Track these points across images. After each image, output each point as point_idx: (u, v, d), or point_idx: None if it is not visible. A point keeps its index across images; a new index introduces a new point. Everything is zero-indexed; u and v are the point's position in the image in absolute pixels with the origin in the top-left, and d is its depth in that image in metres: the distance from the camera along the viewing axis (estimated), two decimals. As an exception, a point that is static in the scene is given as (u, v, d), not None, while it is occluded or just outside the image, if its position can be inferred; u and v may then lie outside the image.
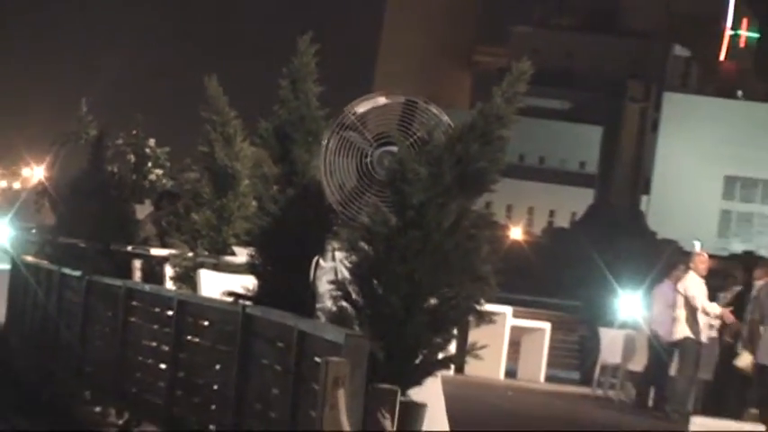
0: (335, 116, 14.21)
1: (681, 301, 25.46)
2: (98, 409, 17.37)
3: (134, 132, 21.41)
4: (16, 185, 55.00)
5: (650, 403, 26.25)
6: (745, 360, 23.67)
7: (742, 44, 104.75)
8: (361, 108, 13.69)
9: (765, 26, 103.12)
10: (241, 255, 16.59)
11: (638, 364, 27.32)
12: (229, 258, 17.31)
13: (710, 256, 27.69)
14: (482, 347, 26.15)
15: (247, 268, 15.42)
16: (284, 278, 14.14)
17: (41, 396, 18.26)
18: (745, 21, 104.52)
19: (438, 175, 11.30)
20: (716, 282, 26.59)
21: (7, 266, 25.67)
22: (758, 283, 23.69)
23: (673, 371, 25.79)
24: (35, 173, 33.15)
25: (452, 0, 60.78)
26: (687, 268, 26.14)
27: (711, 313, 25.09)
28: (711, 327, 25.20)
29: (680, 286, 25.78)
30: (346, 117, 13.79)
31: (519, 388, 28.14)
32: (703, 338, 25.34)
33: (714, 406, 23.50)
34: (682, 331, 25.39)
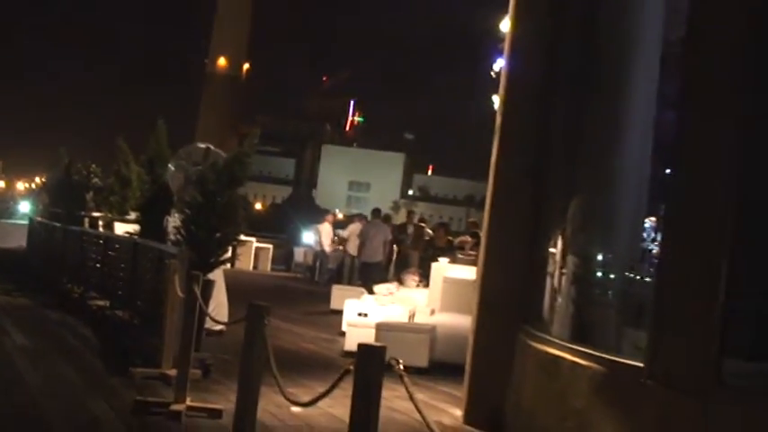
0: (175, 153, 14.23)
1: (320, 234, 25.31)
2: (69, 286, 16.66)
3: (86, 162, 20.83)
4: (33, 186, 52.61)
5: (316, 278, 25.97)
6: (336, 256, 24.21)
7: (356, 123, 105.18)
8: (186, 149, 13.70)
9: (367, 116, 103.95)
10: (133, 215, 16.44)
11: (309, 260, 27.13)
12: (128, 217, 16.89)
13: (345, 216, 27.71)
14: (241, 254, 26.15)
15: (136, 221, 15.32)
16: (153, 225, 13.62)
17: (42, 282, 17.71)
18: (358, 112, 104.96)
19: (220, 179, 11.14)
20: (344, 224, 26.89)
21: (27, 222, 24.87)
22: (351, 225, 23.94)
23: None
24: (42, 179, 31.93)
25: (232, 101, 60.09)
26: (325, 220, 26.02)
27: (326, 242, 24.94)
28: (334, 243, 25.11)
29: (320, 228, 25.51)
30: (180, 154, 13.76)
31: (257, 273, 27.82)
32: (328, 250, 25.10)
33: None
34: (321, 246, 25.18)
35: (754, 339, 5.49)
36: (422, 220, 24.74)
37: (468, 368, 8.75)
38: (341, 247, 24.45)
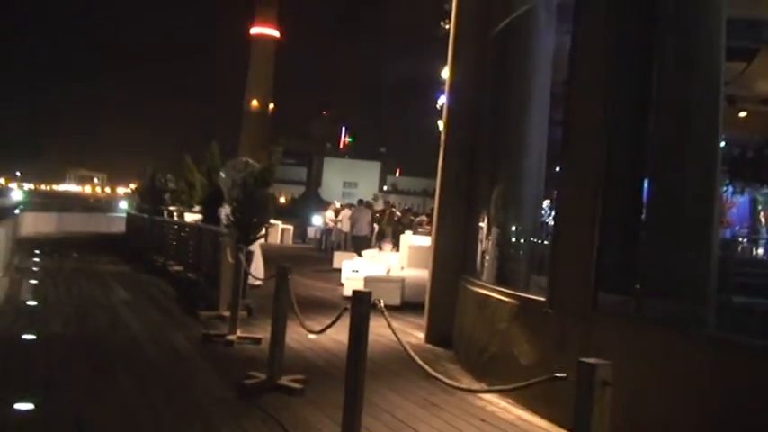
0: (224, 165, 13.98)
1: (326, 218, 24.88)
2: (154, 257, 16.35)
3: (164, 173, 20.36)
4: (129, 190, 51.50)
5: (322, 247, 25.58)
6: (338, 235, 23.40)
7: (347, 142, 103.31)
8: (232, 162, 13.44)
9: (354, 136, 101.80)
10: (197, 209, 16.16)
11: (318, 236, 26.73)
12: (194, 210, 16.68)
13: (341, 206, 27.10)
14: (271, 233, 25.46)
15: (200, 213, 15.06)
16: (211, 215, 13.15)
17: (136, 255, 17.40)
18: (348, 134, 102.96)
19: (256, 182, 10.69)
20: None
21: (125, 215, 24.39)
22: (343, 212, 23.24)
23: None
24: (134, 185, 31.31)
25: (262, 129, 58.01)
26: (327, 207, 25.63)
27: (329, 221, 24.03)
28: (337, 224, 23.61)
29: (325, 214, 25.19)
30: (228, 165, 13.45)
31: (283, 245, 27.22)
32: (331, 225, 23.92)
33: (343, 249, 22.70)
34: (327, 225, 24.61)
35: (617, 280, 5.51)
36: (392, 206, 24.75)
37: (426, 305, 8.76)
38: (338, 225, 24.11)
